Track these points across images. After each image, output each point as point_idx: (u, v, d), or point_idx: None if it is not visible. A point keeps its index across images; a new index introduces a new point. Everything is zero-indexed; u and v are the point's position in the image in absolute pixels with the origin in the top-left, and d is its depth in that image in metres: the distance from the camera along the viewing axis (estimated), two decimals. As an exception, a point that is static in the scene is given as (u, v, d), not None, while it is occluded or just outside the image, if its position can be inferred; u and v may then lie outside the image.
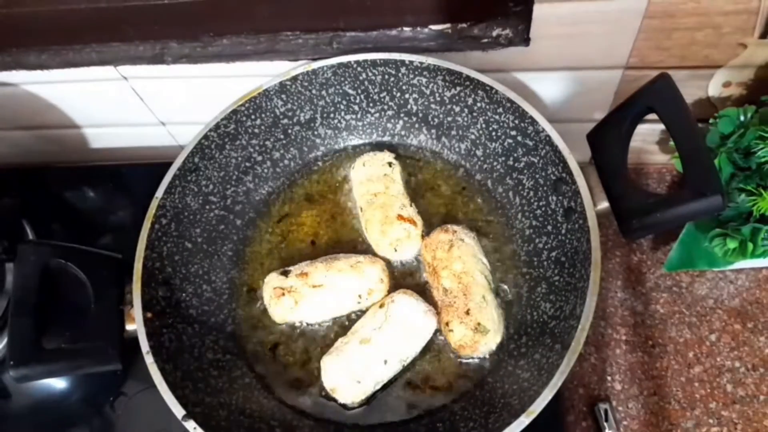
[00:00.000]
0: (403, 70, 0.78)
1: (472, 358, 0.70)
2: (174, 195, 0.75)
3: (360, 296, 0.72)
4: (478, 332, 0.68)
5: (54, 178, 1.02)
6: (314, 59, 0.79)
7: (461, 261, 0.72)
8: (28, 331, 0.64)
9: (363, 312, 0.73)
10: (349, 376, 0.67)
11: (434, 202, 0.82)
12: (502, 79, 0.74)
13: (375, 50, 0.77)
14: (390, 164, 0.81)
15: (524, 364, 0.67)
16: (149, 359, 0.64)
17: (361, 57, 0.78)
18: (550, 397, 0.58)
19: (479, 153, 0.82)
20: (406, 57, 0.76)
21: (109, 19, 0.77)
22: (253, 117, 0.81)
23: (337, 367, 0.68)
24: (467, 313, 0.68)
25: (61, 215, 0.97)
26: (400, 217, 0.76)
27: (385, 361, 0.68)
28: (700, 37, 0.70)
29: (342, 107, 0.84)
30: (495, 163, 0.80)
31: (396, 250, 0.76)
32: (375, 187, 0.79)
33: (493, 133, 0.78)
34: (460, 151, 0.83)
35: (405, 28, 0.76)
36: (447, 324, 0.70)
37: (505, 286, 0.75)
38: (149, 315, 0.67)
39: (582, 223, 0.66)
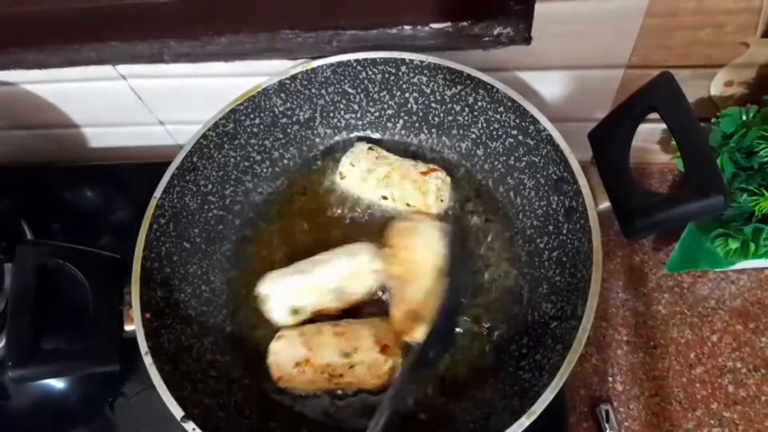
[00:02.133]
0: (403, 68, 0.78)
1: (418, 342, 0.69)
2: (172, 195, 0.75)
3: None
4: (413, 320, 0.68)
5: (52, 178, 1.01)
6: (314, 58, 0.79)
7: (416, 249, 0.71)
8: (26, 332, 0.64)
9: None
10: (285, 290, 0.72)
11: (434, 201, 0.81)
12: (503, 78, 0.74)
13: (375, 49, 0.77)
14: (371, 148, 0.81)
15: (525, 364, 0.67)
16: (148, 360, 0.64)
17: (361, 56, 0.77)
18: (551, 398, 0.58)
19: (480, 152, 0.81)
20: (407, 55, 0.76)
21: (108, 17, 0.77)
22: (252, 116, 0.80)
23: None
24: (405, 299, 0.69)
25: (60, 215, 0.96)
26: (423, 173, 0.78)
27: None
28: (702, 36, 0.70)
29: (342, 106, 0.84)
30: (496, 163, 0.80)
31: (442, 201, 0.78)
32: (380, 172, 0.79)
33: (494, 133, 0.78)
34: (460, 150, 0.83)
35: (405, 27, 0.76)
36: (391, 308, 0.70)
37: (505, 287, 0.74)
38: (148, 316, 0.67)
39: (583, 223, 0.65)
